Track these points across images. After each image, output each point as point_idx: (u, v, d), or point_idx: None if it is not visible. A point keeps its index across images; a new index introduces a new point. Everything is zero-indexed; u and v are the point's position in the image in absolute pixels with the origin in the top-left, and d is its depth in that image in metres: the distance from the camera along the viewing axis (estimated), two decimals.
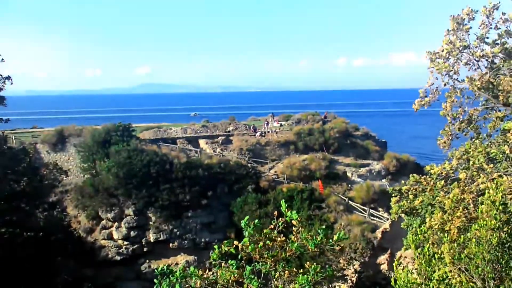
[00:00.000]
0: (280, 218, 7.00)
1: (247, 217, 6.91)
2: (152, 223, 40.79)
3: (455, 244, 9.00)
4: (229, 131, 55.87)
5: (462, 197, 12.03)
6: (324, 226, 7.71)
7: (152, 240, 40.54)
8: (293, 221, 6.92)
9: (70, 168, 46.13)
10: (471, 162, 13.16)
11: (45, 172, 36.49)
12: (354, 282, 31.65)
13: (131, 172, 40.97)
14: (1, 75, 30.46)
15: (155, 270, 7.47)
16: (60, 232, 33.48)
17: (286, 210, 6.84)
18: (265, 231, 6.83)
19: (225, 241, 7.05)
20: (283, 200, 7.03)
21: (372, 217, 40.58)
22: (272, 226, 6.89)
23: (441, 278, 8.16)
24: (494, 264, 8.38)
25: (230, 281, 6.58)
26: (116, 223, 41.02)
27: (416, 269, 8.98)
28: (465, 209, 11.71)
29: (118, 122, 48.27)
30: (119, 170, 40.90)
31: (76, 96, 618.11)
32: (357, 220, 39.14)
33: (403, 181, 16.61)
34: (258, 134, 54.12)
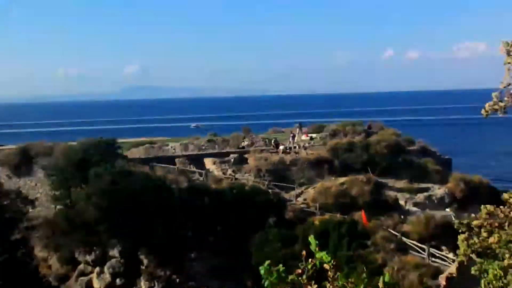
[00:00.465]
0: (310, 260, 7.04)
1: (267, 262, 6.96)
2: (144, 267, 40.87)
3: None
4: (243, 147, 56.08)
5: None
6: (368, 270, 7.72)
7: None
8: (325, 265, 6.94)
9: (38, 196, 46.63)
10: None
11: (5, 203, 36.89)
12: None
13: (116, 201, 41.11)
14: None
15: None
16: (24, 280, 33.74)
17: (316, 249, 6.89)
18: (290, 277, 6.86)
19: None
20: (312, 236, 7.07)
21: (433, 259, 40.15)
22: (300, 271, 6.92)
23: None
24: None
25: None
26: (98, 268, 41.21)
27: None
28: None
29: (99, 137, 48.70)
30: (101, 199, 41.08)
31: (43, 104, 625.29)
32: (413, 262, 38.71)
33: (473, 214, 16.53)
34: (281, 150, 54.21)
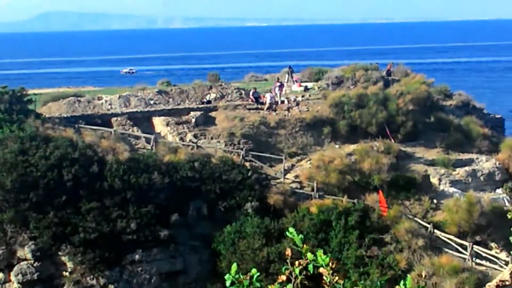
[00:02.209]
0: (298, 262, 6.97)
1: (234, 269, 6.89)
2: (67, 273, 40.82)
3: None
4: (209, 102, 55.80)
5: None
6: (388, 276, 7.61)
7: None
8: (321, 269, 6.88)
9: None
10: None
11: None
12: None
13: (27, 179, 40.88)
14: None
15: None
16: None
17: (303, 246, 6.80)
18: None
19: None
20: (292, 229, 7.00)
21: (477, 260, 40.51)
22: (285, 278, 6.86)
23: None
24: None
25: None
26: (1, 274, 41.04)
27: None
28: None
29: (1, 86, 48.16)
30: (5, 175, 40.84)
31: None
32: (450, 265, 39.04)
33: None
34: (265, 105, 54.07)
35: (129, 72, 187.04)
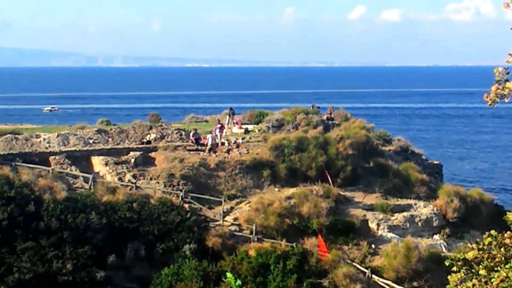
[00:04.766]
0: None
1: None
2: None
3: None
4: (148, 142, 55.66)
5: None
6: None
7: None
8: None
9: None
10: None
11: None
12: None
13: None
14: None
15: None
16: None
17: None
18: None
19: None
20: (229, 274, 7.08)
21: None
22: None
23: None
24: None
25: None
26: None
27: None
28: None
29: None
30: None
31: None
32: None
33: (468, 244, 16.67)
34: (206, 146, 54.11)
35: (51, 110, 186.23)
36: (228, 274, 7.03)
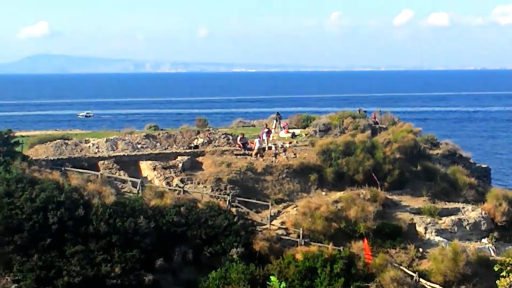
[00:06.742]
0: None
1: None
2: None
3: None
4: (196, 147, 55.86)
5: None
6: None
7: None
8: None
9: None
10: None
11: None
12: None
13: (12, 221, 40.72)
14: None
15: None
16: None
17: None
18: None
19: None
20: (274, 278, 7.15)
21: None
22: None
23: None
24: None
25: None
26: None
27: None
28: None
29: None
30: None
31: None
32: None
33: None
34: (253, 150, 54.17)
35: (86, 116, 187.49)
36: (272, 278, 7.11)
